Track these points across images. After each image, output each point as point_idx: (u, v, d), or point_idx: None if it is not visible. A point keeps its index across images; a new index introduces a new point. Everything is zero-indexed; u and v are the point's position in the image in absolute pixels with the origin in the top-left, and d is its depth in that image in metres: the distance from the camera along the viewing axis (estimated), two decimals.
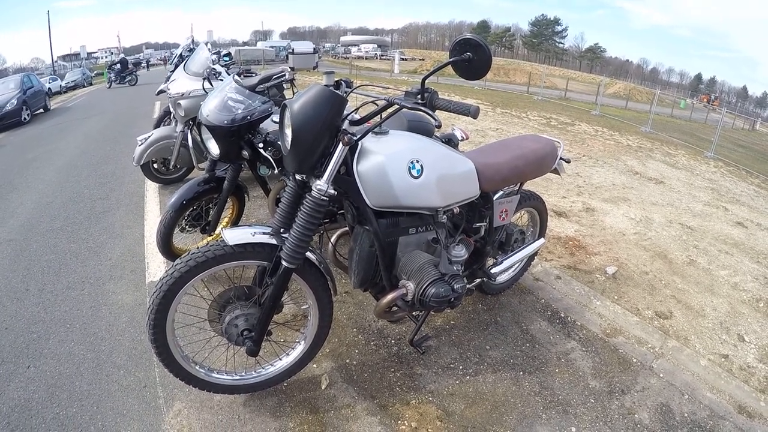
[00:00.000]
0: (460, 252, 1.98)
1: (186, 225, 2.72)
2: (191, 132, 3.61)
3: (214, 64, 3.13)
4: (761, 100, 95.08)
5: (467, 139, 2.99)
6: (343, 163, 1.56)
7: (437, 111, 1.58)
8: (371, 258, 1.76)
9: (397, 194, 1.63)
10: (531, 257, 2.95)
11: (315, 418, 1.85)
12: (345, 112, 1.56)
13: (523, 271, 2.98)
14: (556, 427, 1.93)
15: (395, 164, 1.63)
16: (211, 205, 2.73)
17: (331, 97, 1.45)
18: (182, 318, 1.72)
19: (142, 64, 31.00)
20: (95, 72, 33.05)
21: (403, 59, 26.77)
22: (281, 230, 1.66)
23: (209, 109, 2.29)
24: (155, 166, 4.11)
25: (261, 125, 2.40)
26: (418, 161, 1.68)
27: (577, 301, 2.93)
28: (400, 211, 1.73)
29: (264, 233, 1.62)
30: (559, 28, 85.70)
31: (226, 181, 2.59)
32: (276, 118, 2.58)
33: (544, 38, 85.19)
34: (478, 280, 2.36)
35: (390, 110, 1.60)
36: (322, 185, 1.51)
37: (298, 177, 1.64)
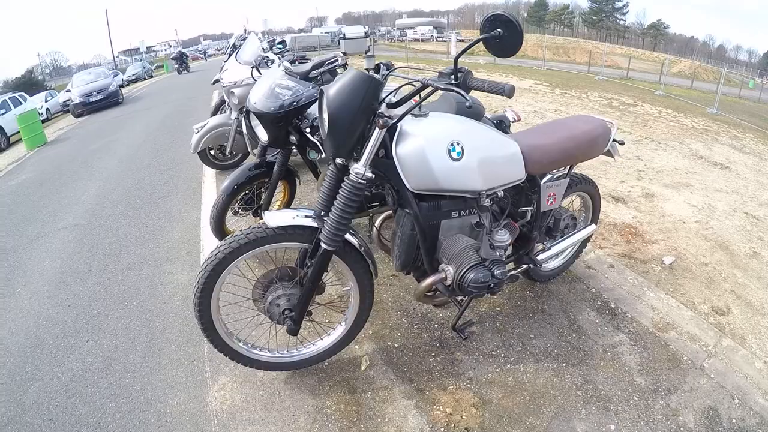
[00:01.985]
0: (504, 237, 1.93)
1: (239, 209, 2.84)
2: (245, 119, 3.71)
3: (266, 52, 3.19)
4: None
5: (519, 120, 2.88)
6: (382, 146, 1.56)
7: (474, 92, 1.58)
8: (412, 241, 1.75)
9: (437, 177, 1.61)
10: (583, 244, 2.84)
11: (352, 398, 1.88)
12: (383, 95, 1.55)
13: (575, 258, 2.88)
14: (595, 424, 1.91)
15: (435, 146, 1.60)
16: (263, 190, 2.82)
17: (366, 81, 1.45)
18: (228, 297, 1.81)
19: (199, 55, 32.00)
20: (156, 65, 33.92)
21: (460, 40, 25.72)
22: (322, 213, 1.69)
23: (257, 97, 2.34)
24: (212, 152, 4.27)
25: (308, 110, 2.42)
26: (458, 143, 1.64)
27: (630, 292, 2.82)
28: (441, 195, 1.70)
29: (306, 216, 1.65)
30: (620, 5, 77.91)
31: (276, 166, 2.66)
32: None
33: (604, 15, 78.14)
34: (524, 267, 2.30)
35: (426, 92, 1.57)
36: (359, 168, 1.53)
37: (338, 161, 1.64)
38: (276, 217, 1.61)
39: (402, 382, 1.98)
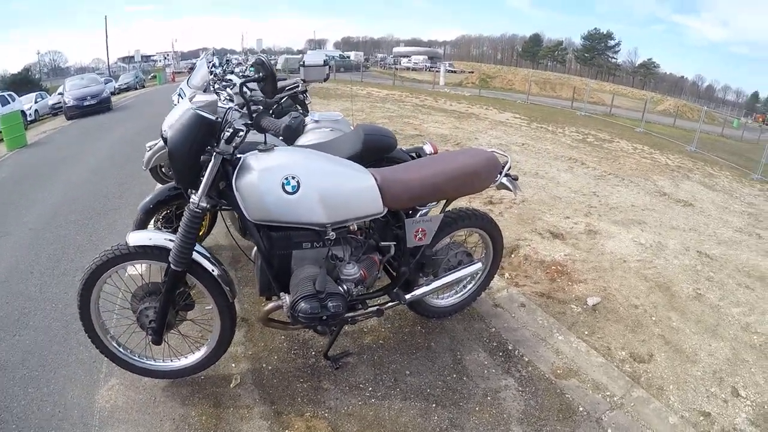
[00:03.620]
0: (351, 271, 1.87)
1: (161, 227, 2.81)
2: None
3: (218, 76, 3.25)
4: None
5: (436, 153, 2.86)
6: (224, 178, 1.69)
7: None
8: (263, 269, 1.81)
9: (270, 209, 1.68)
10: (485, 281, 2.64)
11: (215, 412, 1.95)
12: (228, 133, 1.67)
13: (476, 295, 2.66)
14: None
15: (267, 179, 1.67)
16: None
17: (199, 122, 1.59)
18: (108, 305, 1.97)
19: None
20: (151, 74, 34.27)
21: (451, 71, 26.62)
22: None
23: (168, 125, 2.33)
24: (163, 170, 4.27)
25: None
26: (293, 177, 1.68)
27: (535, 334, 2.57)
28: (289, 226, 1.75)
29: (165, 238, 1.76)
30: (612, 43, 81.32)
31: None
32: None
33: (596, 52, 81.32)
34: (391, 302, 2.14)
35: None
36: (195, 198, 1.66)
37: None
38: (136, 237, 1.76)
39: (264, 403, 1.99)
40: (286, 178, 1.69)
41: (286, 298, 1.74)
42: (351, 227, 1.88)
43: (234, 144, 1.67)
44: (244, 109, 1.77)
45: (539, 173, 6.20)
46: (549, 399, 2.09)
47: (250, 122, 1.71)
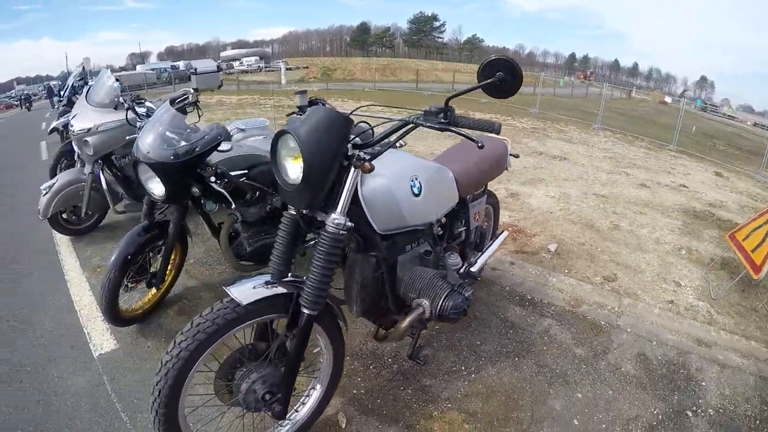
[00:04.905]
0: (456, 260, 2.19)
1: (128, 282, 2.51)
2: (103, 172, 3.40)
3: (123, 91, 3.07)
4: (633, 70, 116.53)
5: (405, 145, 3.25)
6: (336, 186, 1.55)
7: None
8: (376, 284, 1.82)
9: (404, 215, 1.75)
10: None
11: None
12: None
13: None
14: (565, 398, 2.21)
15: (399, 185, 1.75)
16: (152, 254, 2.61)
17: (339, 120, 1.45)
18: (189, 401, 1.61)
19: (14, 102, 27.48)
20: None
21: (288, 69, 26.97)
22: (286, 276, 1.64)
23: (148, 144, 2.15)
24: (64, 216, 3.75)
25: (208, 158, 2.37)
26: (416, 178, 1.84)
27: (536, 282, 3.32)
28: (398, 232, 1.82)
29: (274, 284, 1.56)
30: (438, 24, 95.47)
31: (171, 225, 2.47)
32: (225, 146, 2.58)
33: (423, 35, 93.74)
34: (472, 283, 2.57)
35: (404, 130, 1.67)
36: (339, 218, 1.49)
37: (292, 213, 1.65)
38: (245, 292, 1.49)
39: (389, 426, 2.02)
40: (412, 180, 1.81)
41: (425, 302, 1.79)
42: (442, 219, 2.13)
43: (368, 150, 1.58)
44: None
45: (434, 153, 7.15)
46: (580, 324, 2.84)
47: None
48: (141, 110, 2.95)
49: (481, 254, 2.69)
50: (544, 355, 2.54)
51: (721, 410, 2.21)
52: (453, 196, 2.19)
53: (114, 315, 2.44)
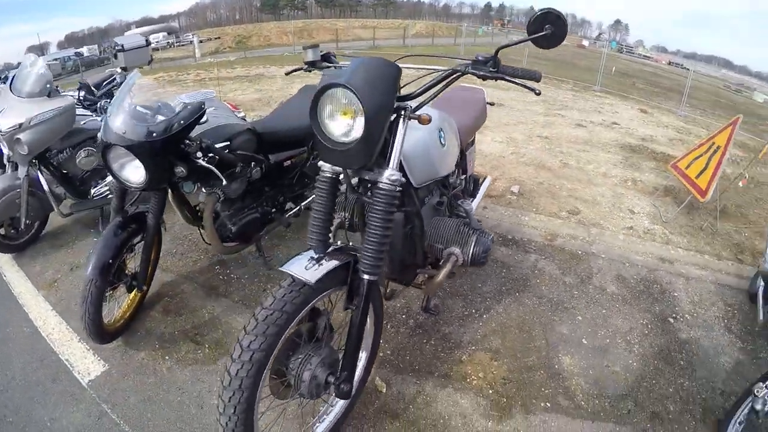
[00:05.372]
0: (470, 205, 2.31)
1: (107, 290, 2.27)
2: (41, 172, 3.00)
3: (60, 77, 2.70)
4: None
5: None
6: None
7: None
8: (406, 240, 1.88)
9: (436, 167, 1.83)
10: None
11: (403, 423, 1.93)
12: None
13: None
14: (568, 322, 2.51)
15: (431, 137, 1.82)
16: (128, 254, 2.35)
17: (392, 69, 1.42)
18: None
19: None
20: None
21: (200, 41, 25.17)
22: (339, 245, 1.61)
23: (123, 123, 1.90)
24: (1, 232, 3.21)
25: (191, 132, 2.19)
26: (441, 129, 1.91)
27: (511, 222, 3.60)
28: (424, 184, 1.87)
29: (326, 257, 1.49)
30: None
31: (150, 216, 2.23)
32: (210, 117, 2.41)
33: None
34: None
35: (451, 78, 1.62)
36: (394, 174, 1.45)
37: (329, 173, 1.57)
38: (311, 270, 1.42)
39: (426, 379, 2.14)
40: (439, 131, 1.87)
41: (456, 250, 1.89)
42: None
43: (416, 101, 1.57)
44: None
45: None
46: (560, 255, 3.17)
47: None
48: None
49: (473, 200, 2.87)
50: (539, 287, 2.82)
51: (694, 314, 2.64)
52: (457, 148, 2.30)
53: (101, 332, 2.16)
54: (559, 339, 2.40)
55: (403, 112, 1.49)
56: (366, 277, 1.48)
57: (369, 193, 1.55)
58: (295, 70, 2.13)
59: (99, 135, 2.03)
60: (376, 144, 1.41)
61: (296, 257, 1.49)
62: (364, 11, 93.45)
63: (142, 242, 2.34)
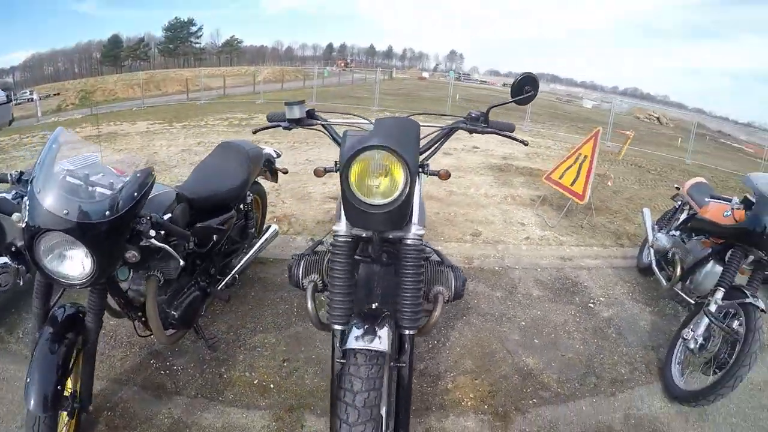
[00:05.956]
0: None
1: None
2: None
3: None
4: (388, 53, 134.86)
5: (280, 156, 3.37)
6: None
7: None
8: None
9: (425, 215, 1.86)
10: None
11: None
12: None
13: None
14: (516, 329, 2.94)
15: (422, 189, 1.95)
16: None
17: (416, 126, 1.58)
18: None
19: None
20: None
21: (33, 99, 22.54)
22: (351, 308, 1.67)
23: (60, 200, 1.61)
24: None
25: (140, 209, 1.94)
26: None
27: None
28: None
29: (370, 323, 1.55)
30: (194, 29, 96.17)
31: (89, 317, 1.93)
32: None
33: (180, 41, 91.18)
34: None
35: (450, 133, 1.90)
36: (419, 229, 1.59)
37: (350, 237, 1.65)
38: (378, 339, 1.48)
39: (427, 416, 1.91)
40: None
41: (440, 288, 1.97)
42: None
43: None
44: None
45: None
46: (483, 274, 3.66)
47: None
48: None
49: None
50: (479, 306, 3.23)
51: (606, 296, 3.30)
52: None
53: None
54: (516, 345, 2.80)
55: (422, 169, 1.63)
56: (408, 332, 1.59)
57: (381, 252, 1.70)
58: (269, 128, 2.08)
59: (20, 219, 1.70)
60: (411, 203, 1.50)
61: (353, 331, 1.52)
62: (208, 59, 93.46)
63: (81, 351, 1.99)
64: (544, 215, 4.80)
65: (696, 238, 2.86)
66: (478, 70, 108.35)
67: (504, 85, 59.60)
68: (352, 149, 1.39)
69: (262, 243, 2.95)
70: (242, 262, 2.85)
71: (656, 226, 3.51)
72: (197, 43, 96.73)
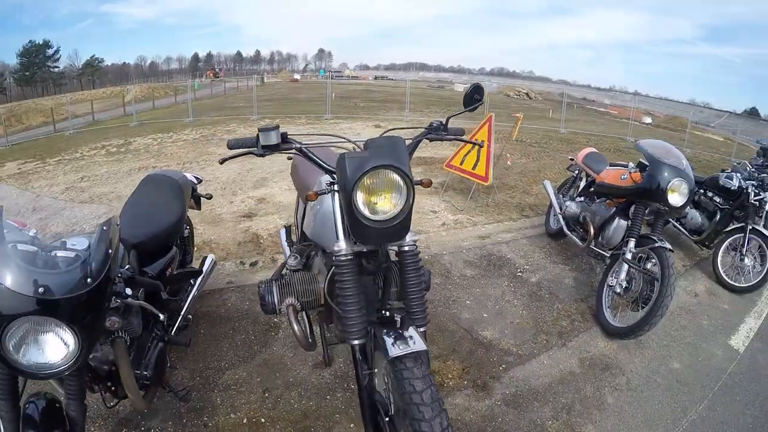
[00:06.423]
0: None
1: None
2: None
3: None
4: (256, 58, 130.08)
5: (201, 181, 3.23)
6: None
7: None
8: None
9: None
10: None
11: None
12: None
13: None
14: (465, 308, 3.26)
15: None
16: None
17: (403, 142, 1.68)
18: None
19: None
20: None
21: None
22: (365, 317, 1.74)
23: (34, 277, 1.39)
24: None
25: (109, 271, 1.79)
26: None
27: None
28: None
29: (395, 328, 1.64)
30: (51, 51, 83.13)
31: (71, 404, 1.66)
32: None
33: (37, 67, 78.64)
34: None
35: (419, 142, 1.99)
36: (415, 236, 1.73)
37: (352, 254, 1.72)
38: (413, 341, 1.56)
39: None
40: None
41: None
42: None
43: None
44: None
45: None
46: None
47: None
48: None
49: None
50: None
51: (530, 263, 3.78)
52: None
53: None
54: (470, 322, 3.11)
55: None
56: (422, 329, 1.68)
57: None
58: (238, 156, 1.94)
59: None
60: (411, 214, 1.63)
61: (387, 343, 1.55)
62: (69, 84, 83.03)
63: None
64: (451, 200, 5.22)
65: (599, 200, 3.43)
66: (348, 66, 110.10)
67: (375, 78, 61.75)
68: (359, 170, 1.50)
69: (204, 276, 2.80)
70: (189, 301, 2.62)
71: (559, 195, 4.06)
72: (56, 66, 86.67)
